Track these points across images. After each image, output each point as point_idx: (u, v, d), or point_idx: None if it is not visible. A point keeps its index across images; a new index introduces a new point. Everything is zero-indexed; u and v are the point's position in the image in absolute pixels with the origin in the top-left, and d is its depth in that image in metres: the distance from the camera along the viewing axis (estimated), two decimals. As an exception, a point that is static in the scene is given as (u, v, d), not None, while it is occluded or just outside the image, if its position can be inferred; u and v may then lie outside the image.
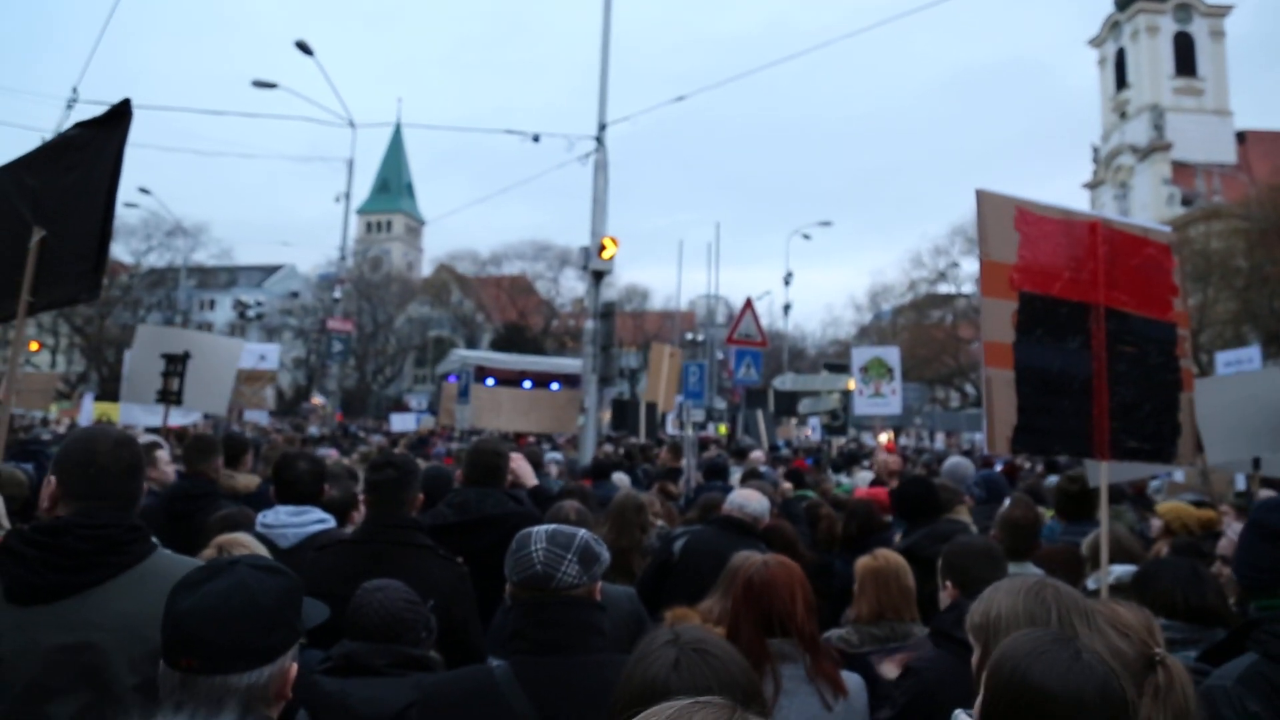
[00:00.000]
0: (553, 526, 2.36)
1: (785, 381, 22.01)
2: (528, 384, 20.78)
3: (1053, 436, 3.45)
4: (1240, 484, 8.46)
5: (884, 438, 19.67)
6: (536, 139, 19.05)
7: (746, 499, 4.81)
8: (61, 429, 18.87)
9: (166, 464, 5.91)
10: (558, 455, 12.49)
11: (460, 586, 3.42)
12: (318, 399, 36.82)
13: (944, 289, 55.93)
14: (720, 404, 27.60)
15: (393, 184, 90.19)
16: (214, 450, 5.55)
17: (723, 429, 22.82)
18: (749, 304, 14.17)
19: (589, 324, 16.03)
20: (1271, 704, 2.27)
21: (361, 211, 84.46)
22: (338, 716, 2.40)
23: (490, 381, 20.13)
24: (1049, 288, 3.39)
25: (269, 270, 75.65)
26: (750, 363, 14.21)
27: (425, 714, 2.17)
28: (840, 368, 21.03)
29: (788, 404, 23.43)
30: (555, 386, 21.02)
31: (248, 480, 6.01)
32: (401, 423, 26.56)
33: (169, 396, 8.88)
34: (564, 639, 2.20)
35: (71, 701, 2.05)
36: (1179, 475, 10.01)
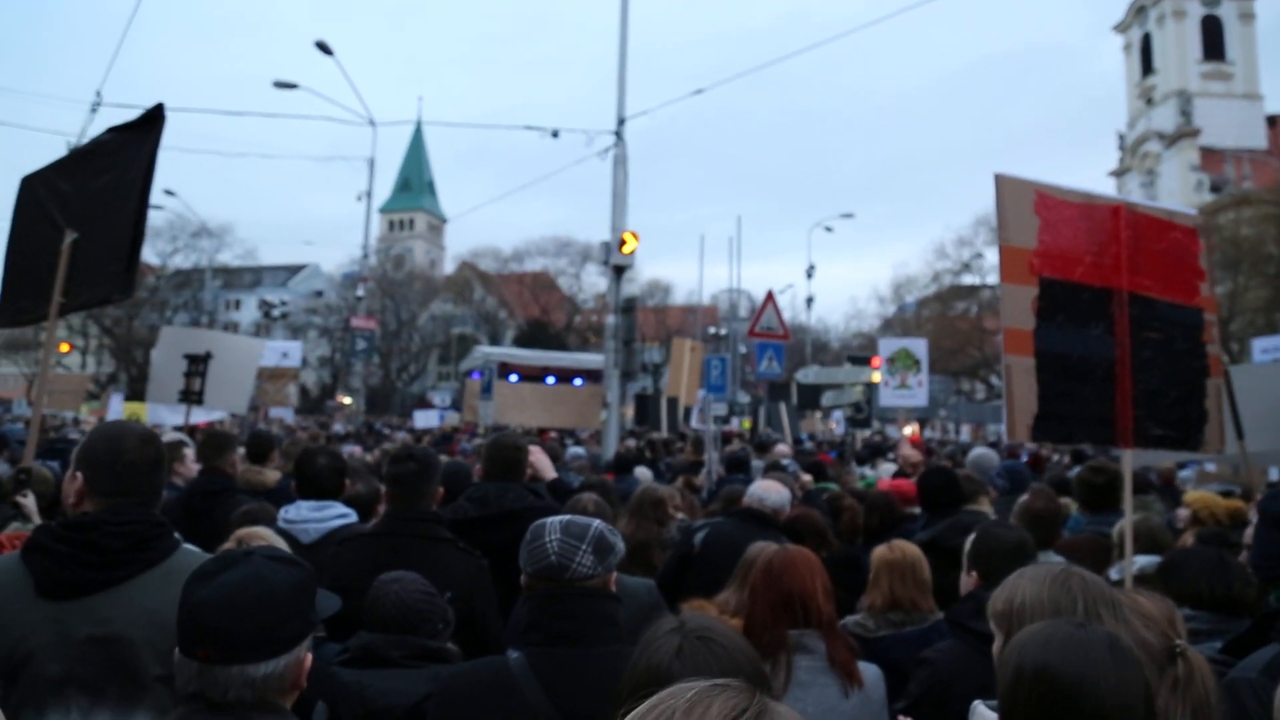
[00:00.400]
0: (567, 517, 2.35)
1: (808, 374, 21.83)
2: (551, 380, 20.81)
3: (1075, 424, 3.41)
4: (1275, 474, 8.33)
5: (908, 430, 19.54)
6: (555, 134, 19.04)
7: (766, 491, 4.79)
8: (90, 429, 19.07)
9: (193, 462, 5.97)
10: (580, 450, 12.51)
11: (481, 580, 3.43)
12: (344, 398, 37.12)
13: (968, 280, 55.45)
14: (744, 398, 27.49)
15: (414, 182, 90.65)
16: (228, 445, 5.60)
17: (746, 423, 22.76)
18: (770, 297, 14.13)
19: (610, 319, 16.01)
20: None
21: (384, 210, 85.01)
22: (355, 708, 2.41)
23: (514, 378, 20.18)
24: (1070, 273, 3.34)
25: (293, 270, 76.31)
26: (772, 356, 14.17)
27: (441, 705, 2.17)
28: (863, 360, 20.87)
29: (811, 397, 23.30)
30: (578, 382, 21.05)
31: (273, 475, 6.06)
32: (425, 419, 26.73)
33: (190, 396, 9.03)
34: (579, 630, 2.19)
35: (101, 693, 2.08)
36: (1211, 465, 9.88)
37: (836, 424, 26.92)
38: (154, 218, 47.81)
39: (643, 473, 8.84)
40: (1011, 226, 3.34)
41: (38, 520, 3.22)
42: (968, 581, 3.06)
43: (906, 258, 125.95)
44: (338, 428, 24.58)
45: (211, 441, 5.67)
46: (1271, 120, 55.74)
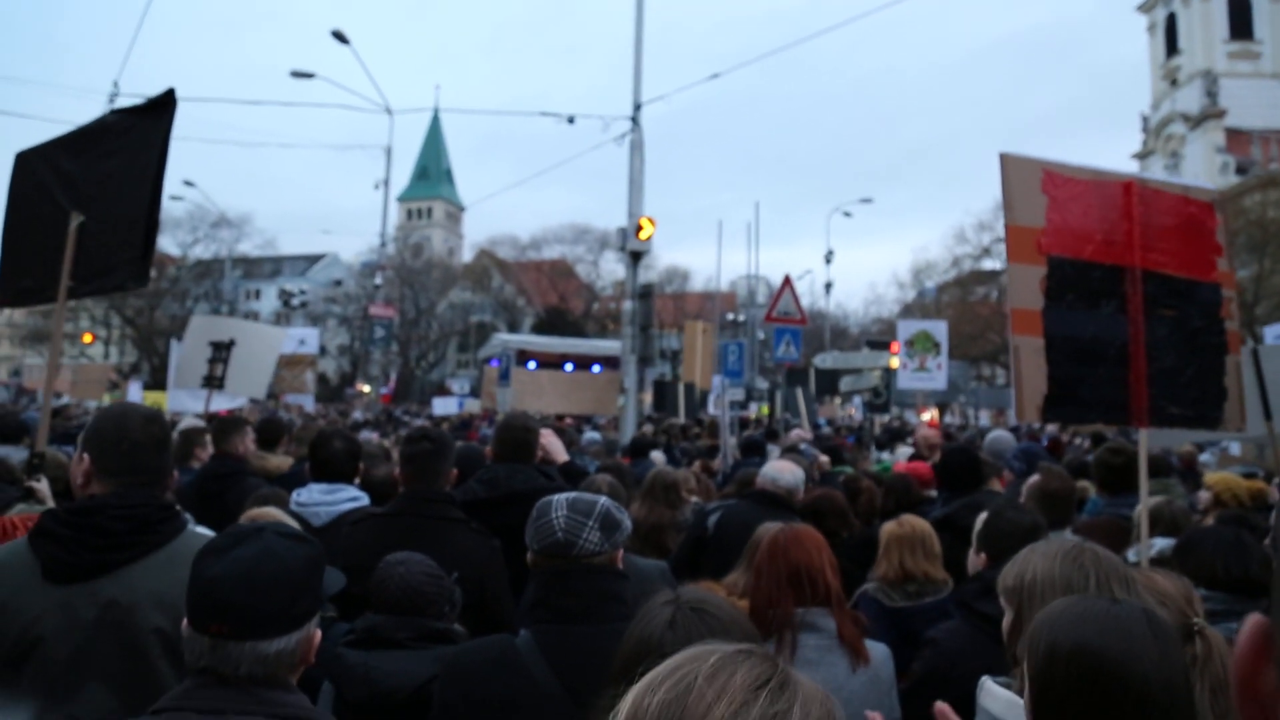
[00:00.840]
0: (574, 494, 2.35)
1: (826, 359, 21.80)
2: (569, 367, 20.82)
3: (1088, 405, 3.36)
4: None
5: (927, 416, 19.45)
6: (571, 120, 19.02)
7: (780, 472, 4.78)
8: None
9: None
10: (596, 435, 12.53)
11: (493, 561, 3.43)
12: (363, 386, 37.34)
13: (988, 265, 54.99)
14: (762, 384, 27.47)
15: (432, 171, 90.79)
16: (237, 429, 5.64)
17: (765, 409, 22.74)
18: (787, 281, 14.06)
19: (627, 304, 15.98)
20: None
21: (402, 199, 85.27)
22: (360, 689, 2.42)
23: (532, 365, 20.20)
24: (1080, 251, 3.29)
25: (312, 259, 76.72)
26: (790, 340, 14.11)
27: (447, 682, 2.16)
28: (882, 345, 20.76)
29: (829, 382, 23.24)
30: (596, 369, 21.07)
31: (279, 461, 6.09)
32: (444, 406, 26.83)
33: (213, 382, 9.17)
34: (586, 607, 2.18)
35: (109, 675, 2.09)
36: (1235, 448, 9.77)
37: (856, 410, 26.84)
38: (174, 208, 48.35)
39: (657, 457, 8.86)
40: (1018, 206, 3.29)
41: (50, 504, 3.25)
42: (975, 561, 3.04)
43: (926, 242, 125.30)
44: (357, 415, 24.73)
45: (222, 425, 5.72)
46: (1299, 100, 54.76)
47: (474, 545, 3.44)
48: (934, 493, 5.63)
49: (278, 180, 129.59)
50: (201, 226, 55.00)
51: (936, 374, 13.44)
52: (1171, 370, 3.37)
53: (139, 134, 3.74)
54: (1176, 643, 1.47)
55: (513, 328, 59.53)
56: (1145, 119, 60.04)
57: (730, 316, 44.39)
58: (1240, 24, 55.13)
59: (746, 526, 3.94)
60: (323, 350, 56.54)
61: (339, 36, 25.11)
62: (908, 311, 53.77)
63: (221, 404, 10.93)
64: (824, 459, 7.97)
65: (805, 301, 15.51)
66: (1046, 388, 3.29)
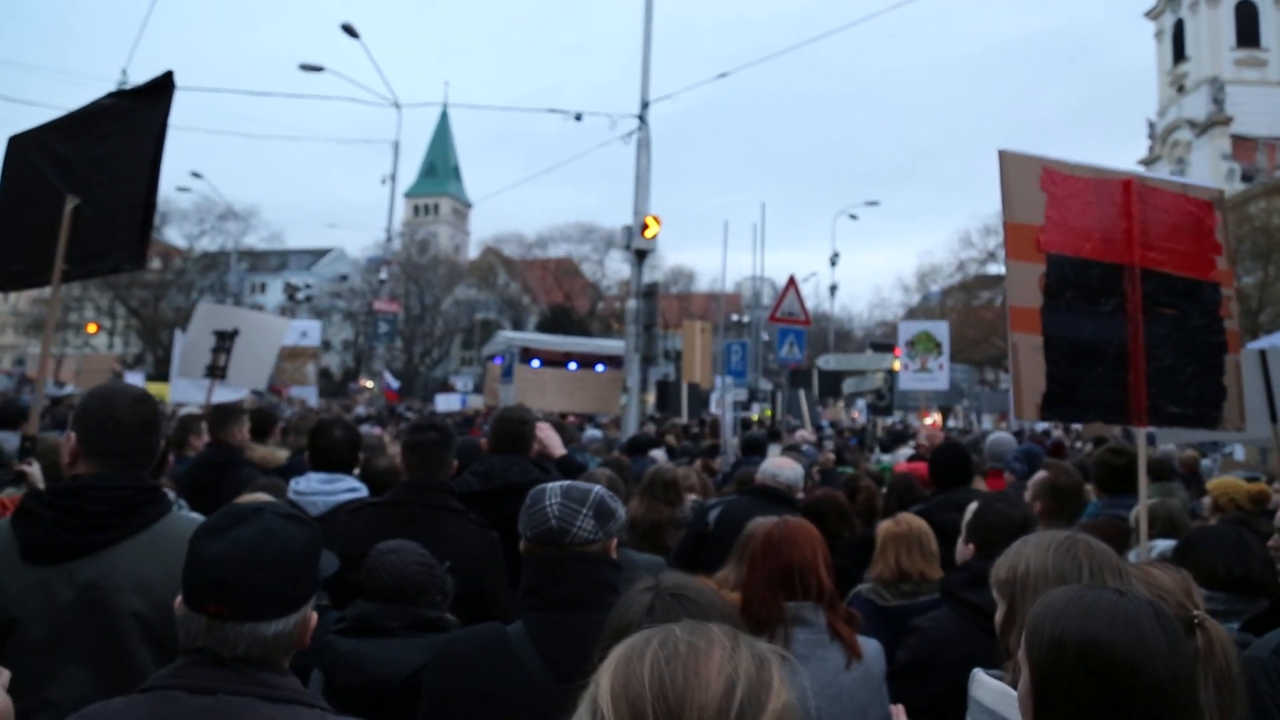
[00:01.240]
0: (568, 482, 2.33)
1: (830, 361, 21.77)
2: (573, 365, 20.81)
3: (1086, 404, 3.34)
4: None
5: (930, 419, 19.41)
6: (579, 118, 19.01)
7: (779, 467, 4.77)
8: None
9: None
10: (597, 433, 12.52)
11: (491, 552, 3.42)
12: (366, 381, 37.35)
13: (993, 269, 54.87)
14: (766, 385, 27.47)
15: (439, 167, 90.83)
16: (235, 418, 5.63)
17: (767, 411, 22.72)
18: (792, 281, 14.05)
19: (632, 303, 15.99)
20: None
21: (409, 195, 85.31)
22: (351, 677, 2.41)
23: (536, 363, 20.19)
24: (1079, 249, 3.28)
25: (318, 254, 76.77)
26: (793, 341, 14.10)
27: (437, 670, 2.15)
28: (886, 347, 20.74)
29: (832, 384, 23.23)
30: (600, 368, 21.05)
31: (265, 452, 6.06)
32: (447, 403, 26.85)
33: (215, 371, 9.16)
34: (578, 596, 2.16)
35: (86, 658, 2.08)
36: (1239, 453, 9.75)
37: (859, 413, 26.81)
38: (180, 199, 48.47)
39: (657, 455, 8.85)
40: (1016, 203, 3.27)
41: (41, 488, 3.24)
42: (964, 552, 3.03)
43: (931, 246, 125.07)
44: (360, 410, 24.73)
45: (219, 413, 5.70)
46: (1307, 107, 54.61)
47: (473, 536, 3.43)
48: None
49: (285, 173, 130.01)
50: (208, 218, 55.07)
51: (938, 374, 13.41)
52: (1171, 369, 3.36)
53: (136, 117, 3.72)
54: (1183, 636, 1.43)
55: (517, 326, 59.53)
56: (1152, 125, 59.90)
57: (735, 318, 44.30)
58: (1247, 32, 55.01)
59: (747, 522, 3.93)
60: (326, 345, 56.62)
61: (349, 30, 25.14)
62: (912, 315, 53.73)
63: (224, 396, 10.94)
64: (830, 455, 7.95)
65: (810, 304, 15.53)
66: (1045, 386, 3.27)
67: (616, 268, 62.34)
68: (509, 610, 3.33)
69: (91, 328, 48.88)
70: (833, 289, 42.92)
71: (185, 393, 13.21)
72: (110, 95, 3.90)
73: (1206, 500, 5.39)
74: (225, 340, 9.21)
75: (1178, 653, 1.38)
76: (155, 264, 53.56)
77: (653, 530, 5.08)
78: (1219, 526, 3.46)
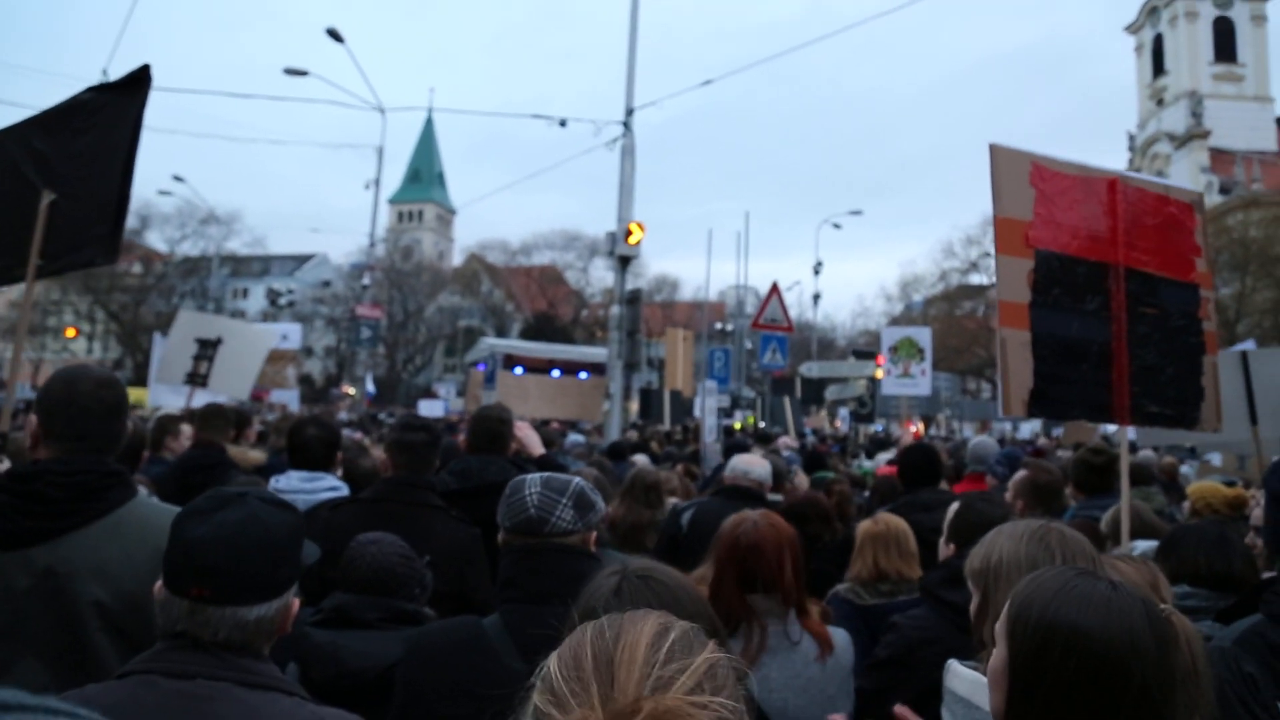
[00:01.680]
0: (548, 474, 2.30)
1: (812, 369, 21.79)
2: (556, 373, 20.77)
3: (1071, 401, 3.36)
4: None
5: (913, 428, 19.47)
6: (564, 124, 19.01)
7: (749, 465, 4.76)
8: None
9: (188, 438, 5.95)
10: (580, 438, 12.49)
11: (474, 547, 3.40)
12: (348, 388, 37.15)
13: (975, 280, 55.27)
14: (749, 393, 27.51)
15: (424, 173, 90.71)
16: (224, 421, 5.56)
17: (750, 419, 22.72)
18: (775, 289, 14.08)
19: (615, 309, 15.98)
20: (1267, 664, 2.20)
21: (393, 201, 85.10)
22: (328, 668, 2.37)
23: (519, 370, 20.15)
24: (1067, 246, 3.29)
25: (301, 259, 76.43)
26: (776, 347, 14.14)
27: (412, 662, 2.11)
28: (868, 355, 20.80)
29: (815, 392, 23.29)
30: (583, 375, 21.02)
31: (238, 452, 5.98)
32: (430, 409, 26.68)
33: (196, 379, 9.09)
34: (556, 588, 2.12)
35: (43, 648, 2.03)
36: (1216, 459, 9.82)
37: (842, 422, 26.86)
38: (162, 203, 48.12)
39: (640, 459, 8.82)
40: (1006, 198, 3.28)
41: None
42: (945, 551, 3.03)
43: (914, 256, 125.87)
44: (342, 416, 24.56)
45: (208, 415, 5.61)
46: (1282, 122, 55.44)
47: (456, 532, 3.41)
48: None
49: (268, 178, 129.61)
50: (190, 223, 54.64)
51: (920, 380, 13.46)
52: (1152, 369, 3.37)
53: (112, 111, 3.70)
54: (1172, 637, 1.41)
55: (501, 333, 59.36)
56: (1132, 137, 60.61)
57: (719, 326, 44.36)
58: (1225, 47, 55.83)
59: (720, 523, 3.91)
60: (309, 351, 56.30)
61: (333, 34, 25.07)
62: (895, 324, 53.97)
63: (202, 400, 10.86)
64: (801, 478, 7.88)
65: (793, 313, 15.55)
66: (1032, 383, 3.28)
67: (600, 276, 62.42)
68: (489, 607, 3.31)
69: (70, 332, 48.44)
70: (816, 298, 43.02)
71: (163, 398, 13.11)
72: (88, 90, 3.87)
73: (1186, 505, 5.41)
74: (208, 348, 9.18)
75: (1165, 654, 1.35)
76: (136, 268, 53.19)
77: (633, 532, 5.04)
78: (1201, 524, 3.48)
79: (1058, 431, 23.39)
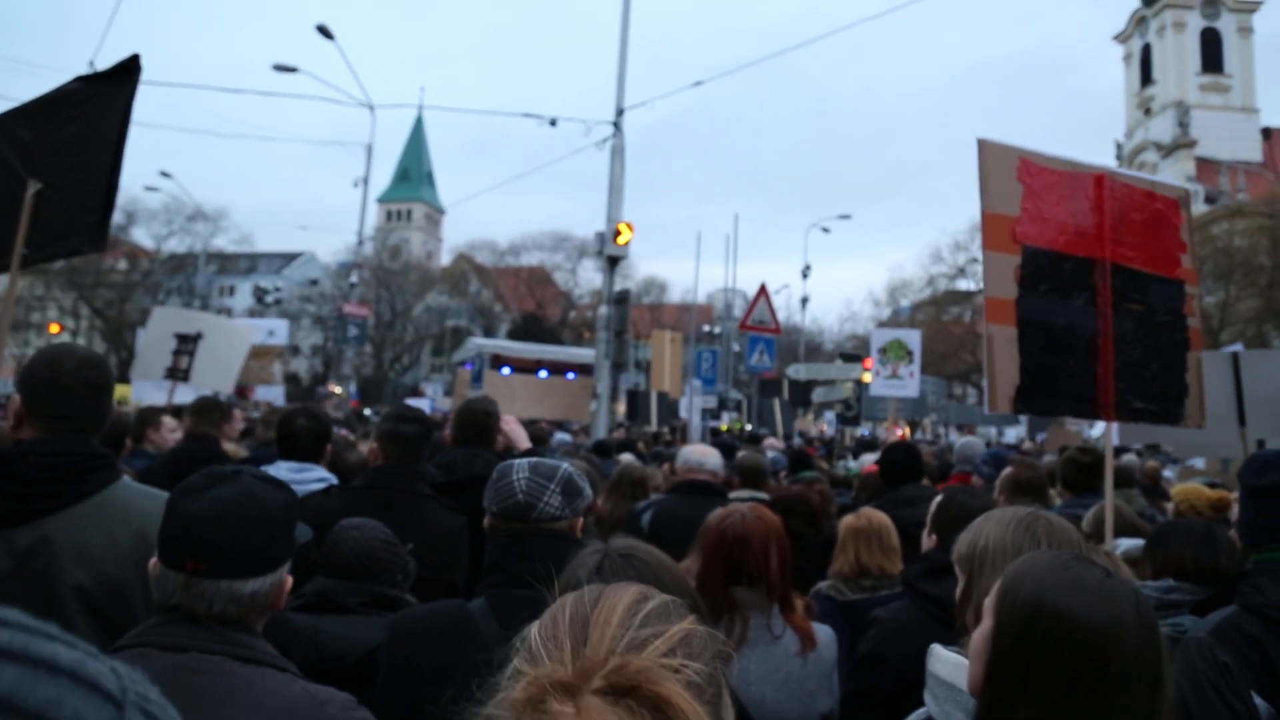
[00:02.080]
0: (536, 459, 2.30)
1: (799, 371, 21.81)
2: (543, 373, 20.72)
3: (1057, 397, 3.37)
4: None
5: (899, 431, 19.52)
6: (554, 123, 19.00)
7: (703, 456, 4.76)
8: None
9: (171, 430, 5.90)
10: (566, 436, 12.48)
11: (461, 537, 3.41)
12: (334, 386, 37.00)
13: (963, 285, 55.51)
14: (736, 395, 27.54)
15: (413, 173, 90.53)
16: (218, 413, 5.51)
17: (738, 423, 22.74)
18: (763, 290, 14.10)
19: (603, 309, 15.98)
20: (1240, 653, 2.22)
21: (382, 200, 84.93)
22: (307, 653, 2.35)
23: (506, 370, 20.08)
24: (1054, 242, 3.30)
25: (289, 257, 76.10)
26: (763, 349, 14.14)
27: (396, 643, 2.10)
28: (855, 358, 20.87)
29: (802, 394, 23.32)
30: (571, 376, 20.99)
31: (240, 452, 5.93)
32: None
33: (177, 373, 9.05)
34: (543, 573, 2.13)
35: None
36: (1199, 463, 9.88)
37: (828, 425, 26.91)
38: (149, 199, 47.86)
39: (627, 458, 8.82)
40: (994, 193, 3.29)
41: None
42: (928, 543, 3.03)
43: (902, 261, 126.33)
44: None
45: (203, 408, 5.54)
46: (1266, 133, 55.98)
47: (444, 521, 3.42)
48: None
49: (257, 175, 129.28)
50: (177, 219, 54.24)
51: (909, 381, 13.49)
52: (1137, 364, 3.39)
53: (100, 100, 3.67)
54: (1158, 629, 1.40)
55: (488, 333, 59.23)
56: (1119, 146, 61.11)
57: (706, 328, 44.41)
58: (1211, 58, 56.39)
59: (680, 519, 3.90)
60: (295, 350, 56.02)
61: (323, 31, 24.98)
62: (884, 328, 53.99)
63: (185, 396, 10.81)
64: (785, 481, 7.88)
65: (781, 316, 15.60)
66: (1019, 379, 3.29)
67: (589, 277, 62.52)
68: (472, 596, 3.30)
69: (54, 328, 48.01)
70: (804, 301, 43.07)
71: (147, 394, 13.04)
72: (75, 80, 3.84)
73: (1170, 506, 5.44)
74: (188, 343, 9.15)
75: (1150, 646, 1.35)
76: (121, 264, 52.85)
77: (619, 526, 5.04)
78: (1188, 520, 3.51)
79: (1042, 436, 23.51)
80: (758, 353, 14.17)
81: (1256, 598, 2.36)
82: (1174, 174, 53.42)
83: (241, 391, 17.82)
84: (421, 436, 3.58)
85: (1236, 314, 38.29)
